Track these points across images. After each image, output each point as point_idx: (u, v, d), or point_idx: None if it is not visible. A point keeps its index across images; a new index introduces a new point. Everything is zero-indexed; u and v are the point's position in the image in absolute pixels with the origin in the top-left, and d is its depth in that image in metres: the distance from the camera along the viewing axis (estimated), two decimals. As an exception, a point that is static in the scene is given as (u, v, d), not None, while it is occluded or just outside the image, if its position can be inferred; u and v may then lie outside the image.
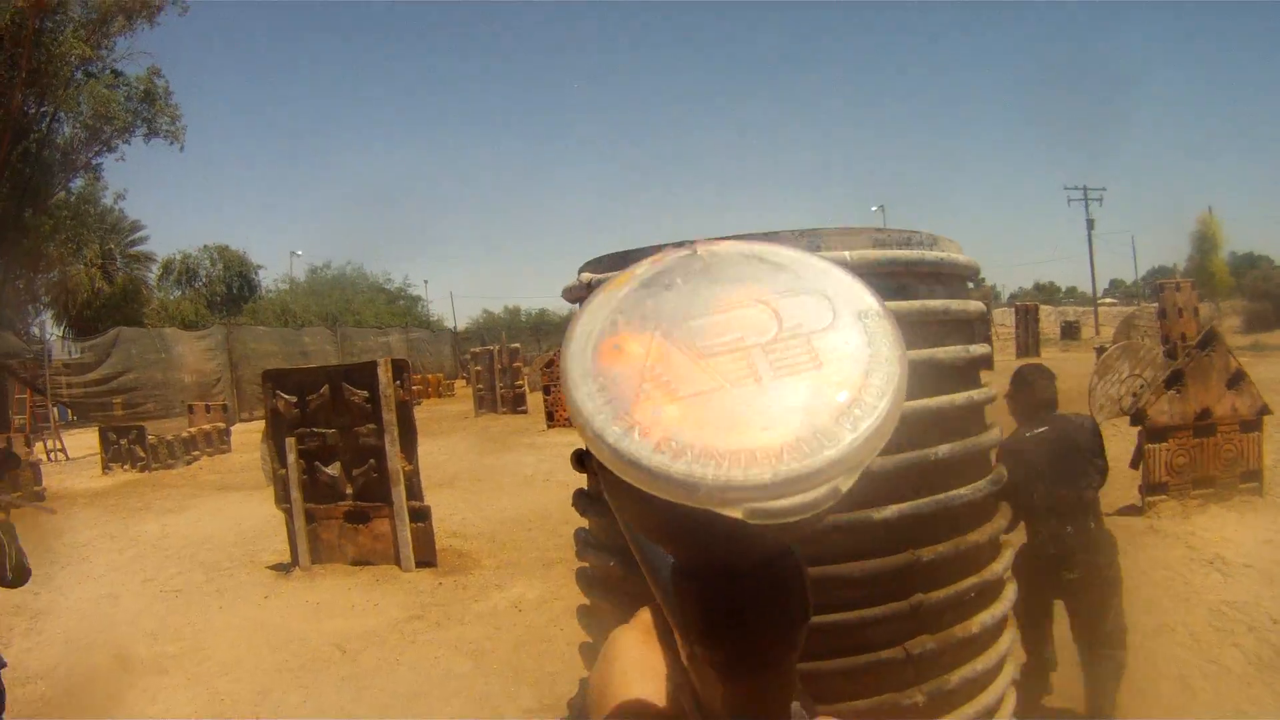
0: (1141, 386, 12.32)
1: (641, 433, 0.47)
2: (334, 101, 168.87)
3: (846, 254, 2.36)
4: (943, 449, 2.53)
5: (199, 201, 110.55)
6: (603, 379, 0.51)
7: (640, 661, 0.66)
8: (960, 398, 2.65)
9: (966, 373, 2.83)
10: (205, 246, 49.10)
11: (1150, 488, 7.11)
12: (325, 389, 7.45)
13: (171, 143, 29.66)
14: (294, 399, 7.55)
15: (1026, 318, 28.94)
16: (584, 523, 3.01)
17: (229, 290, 48.37)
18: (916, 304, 2.53)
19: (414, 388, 28.14)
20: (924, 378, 2.54)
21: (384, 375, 7.27)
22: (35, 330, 30.73)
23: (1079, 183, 54.46)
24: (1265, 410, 7.34)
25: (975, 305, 2.84)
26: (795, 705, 0.58)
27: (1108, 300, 60.89)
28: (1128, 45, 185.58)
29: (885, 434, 0.49)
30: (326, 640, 5.67)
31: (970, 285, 3.04)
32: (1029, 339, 28.32)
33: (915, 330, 2.56)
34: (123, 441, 15.35)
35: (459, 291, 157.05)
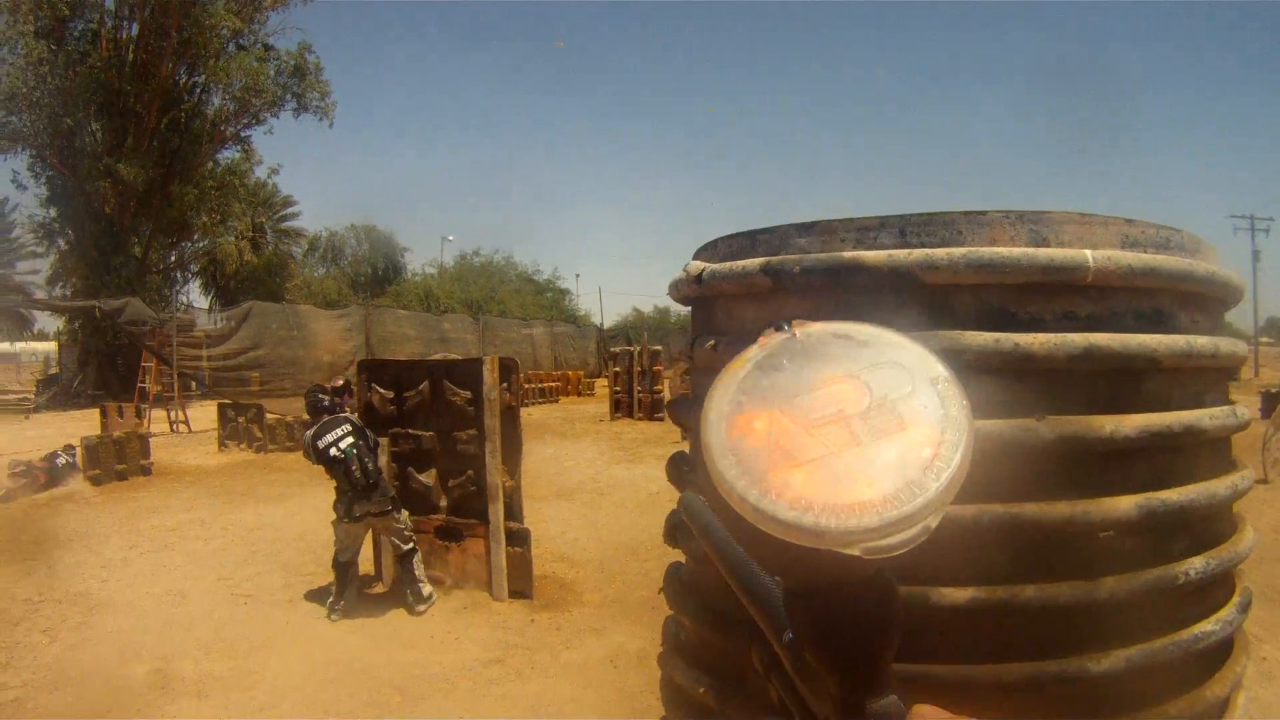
0: (1322, 444, 11.22)
1: (776, 494, 0.62)
2: (500, 90, 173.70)
3: (1088, 253, 1.57)
4: (1194, 565, 1.74)
5: (354, 180, 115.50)
6: (738, 452, 0.66)
7: None
8: (1222, 486, 1.84)
9: (1226, 447, 2.02)
10: (352, 225, 50.86)
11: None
12: (425, 386, 7.01)
13: (321, 118, 30.82)
14: (390, 394, 7.15)
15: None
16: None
17: (374, 271, 49.80)
18: (1180, 341, 1.72)
19: (552, 384, 28.44)
20: (1181, 457, 1.76)
21: (489, 375, 6.74)
22: (183, 298, 32.16)
23: (1246, 210, 51.35)
24: None
25: (1241, 347, 2.02)
26: (894, 699, 0.68)
27: (1264, 339, 57.87)
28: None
29: (960, 480, 0.62)
30: (390, 678, 5.16)
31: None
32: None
33: (1174, 381, 1.77)
34: (240, 419, 15.54)
35: (610, 288, 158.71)
